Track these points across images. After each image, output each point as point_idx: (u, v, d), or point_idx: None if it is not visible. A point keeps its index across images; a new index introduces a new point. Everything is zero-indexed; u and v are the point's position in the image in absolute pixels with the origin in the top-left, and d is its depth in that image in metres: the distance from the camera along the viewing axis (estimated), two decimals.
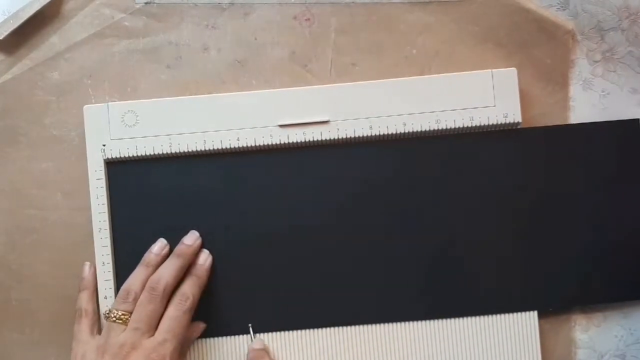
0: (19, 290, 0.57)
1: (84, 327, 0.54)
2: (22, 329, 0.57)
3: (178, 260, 0.54)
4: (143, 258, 0.55)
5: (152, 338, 0.52)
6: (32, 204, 0.57)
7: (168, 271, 0.54)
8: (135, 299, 0.53)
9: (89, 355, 0.52)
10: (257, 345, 0.56)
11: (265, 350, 0.56)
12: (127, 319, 0.52)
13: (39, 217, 0.57)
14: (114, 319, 0.52)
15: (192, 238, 0.56)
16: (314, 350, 0.56)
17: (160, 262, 0.55)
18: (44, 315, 0.57)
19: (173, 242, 0.55)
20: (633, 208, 0.58)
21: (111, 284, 0.56)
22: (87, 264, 0.56)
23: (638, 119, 0.58)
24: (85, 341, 0.53)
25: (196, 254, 0.56)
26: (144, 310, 0.52)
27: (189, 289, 0.54)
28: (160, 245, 0.55)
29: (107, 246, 0.56)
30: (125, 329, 0.52)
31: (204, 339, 0.56)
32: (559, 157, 0.58)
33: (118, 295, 0.54)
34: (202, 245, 0.56)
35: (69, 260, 0.57)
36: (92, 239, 0.56)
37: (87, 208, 0.56)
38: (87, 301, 0.55)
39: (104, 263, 0.56)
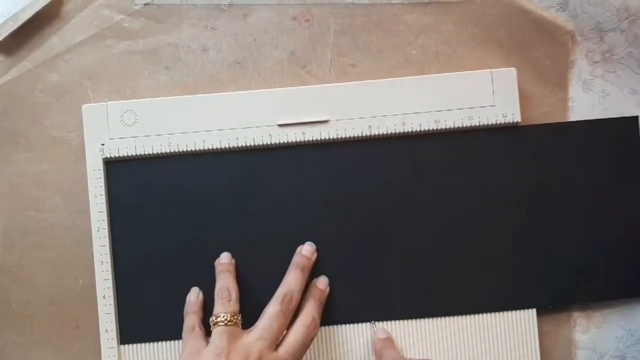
0: (19, 292, 0.57)
1: (196, 338, 0.52)
2: (22, 330, 0.57)
3: (303, 274, 0.54)
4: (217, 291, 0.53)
5: (277, 356, 0.50)
6: (31, 205, 0.57)
7: (296, 286, 0.53)
8: (236, 301, 0.52)
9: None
10: (381, 334, 0.55)
11: (390, 339, 0.55)
12: (237, 320, 0.51)
13: (38, 219, 0.57)
14: (225, 322, 0.51)
15: (310, 250, 0.55)
16: (315, 349, 0.56)
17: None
18: (44, 316, 0.57)
19: (171, 241, 0.56)
20: (632, 205, 0.58)
21: (109, 283, 0.55)
22: (195, 289, 0.55)
23: (637, 116, 0.58)
24: (199, 350, 0.50)
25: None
26: (275, 322, 0.51)
27: (318, 316, 0.53)
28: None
29: (105, 245, 0.55)
30: (248, 335, 0.50)
31: None
32: (558, 155, 0.57)
33: (216, 302, 0.52)
34: (201, 244, 0.56)
35: (69, 262, 0.57)
36: (92, 240, 0.55)
37: (87, 210, 0.56)
38: (197, 320, 0.53)
39: (102, 262, 0.55)
